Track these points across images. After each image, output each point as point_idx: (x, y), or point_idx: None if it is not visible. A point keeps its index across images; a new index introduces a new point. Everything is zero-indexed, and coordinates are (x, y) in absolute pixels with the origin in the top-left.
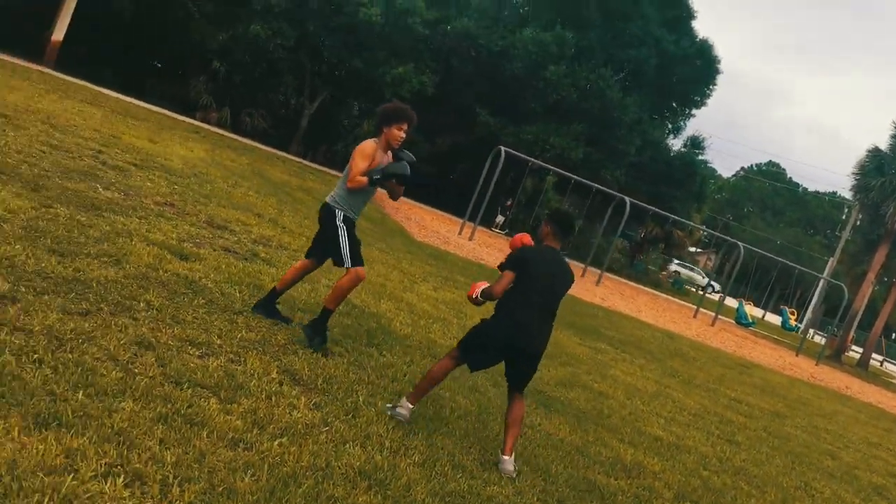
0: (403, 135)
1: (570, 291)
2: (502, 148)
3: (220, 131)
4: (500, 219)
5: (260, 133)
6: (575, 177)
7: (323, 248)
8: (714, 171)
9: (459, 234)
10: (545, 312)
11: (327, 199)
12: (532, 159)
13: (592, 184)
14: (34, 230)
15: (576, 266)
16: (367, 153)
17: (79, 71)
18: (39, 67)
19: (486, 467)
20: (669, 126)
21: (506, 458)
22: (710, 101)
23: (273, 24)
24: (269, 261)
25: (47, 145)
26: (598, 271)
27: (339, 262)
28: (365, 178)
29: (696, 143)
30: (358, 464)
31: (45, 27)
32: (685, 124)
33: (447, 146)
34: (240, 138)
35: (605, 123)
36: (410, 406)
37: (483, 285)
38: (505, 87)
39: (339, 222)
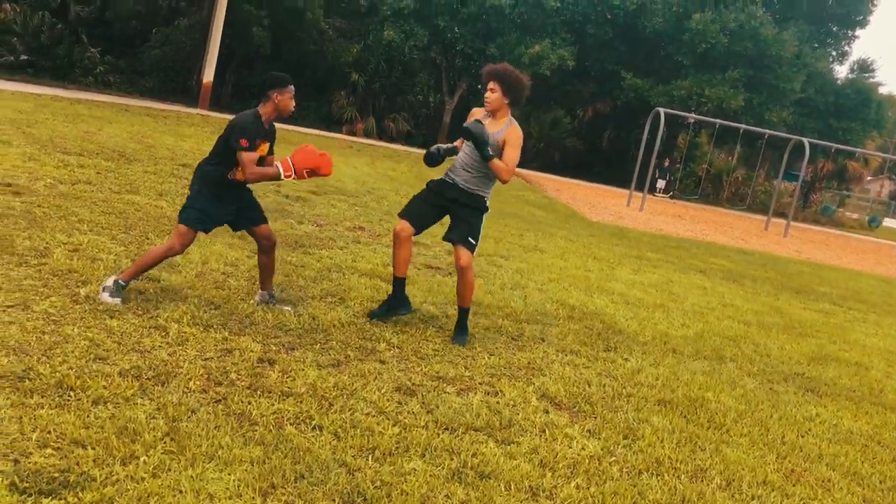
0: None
1: (765, 249)
2: (661, 110)
3: (370, 141)
4: (661, 183)
5: (405, 136)
6: (742, 125)
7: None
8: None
9: (628, 205)
10: None
11: (477, 190)
12: (694, 116)
13: (762, 130)
14: (256, 280)
15: (758, 219)
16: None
17: (230, 107)
18: (197, 111)
19: (791, 479)
20: (833, 54)
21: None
22: (872, 18)
23: (404, 27)
24: None
25: None
26: (783, 221)
27: (470, 244)
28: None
29: (864, 67)
30: (664, 498)
31: (190, 73)
32: (850, 48)
33: (590, 116)
34: (389, 145)
35: (762, 64)
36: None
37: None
38: (647, 45)
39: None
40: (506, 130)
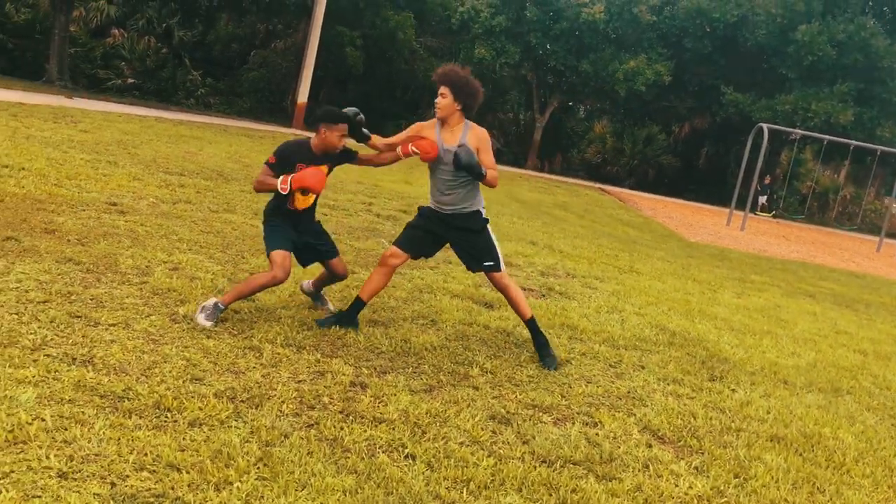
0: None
1: (878, 272)
2: (764, 126)
3: None
4: (762, 199)
5: (494, 153)
6: (853, 142)
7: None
8: None
9: (728, 224)
10: None
11: (466, 208)
12: (800, 131)
13: (874, 146)
14: (348, 301)
15: (868, 240)
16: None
17: None
18: (292, 130)
19: None
20: None
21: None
22: None
23: (496, 45)
24: (565, 294)
25: (325, 206)
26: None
27: (490, 266)
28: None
29: None
30: None
31: (285, 93)
32: None
33: (686, 132)
34: None
35: (873, 77)
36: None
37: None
38: (748, 59)
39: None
40: (469, 136)
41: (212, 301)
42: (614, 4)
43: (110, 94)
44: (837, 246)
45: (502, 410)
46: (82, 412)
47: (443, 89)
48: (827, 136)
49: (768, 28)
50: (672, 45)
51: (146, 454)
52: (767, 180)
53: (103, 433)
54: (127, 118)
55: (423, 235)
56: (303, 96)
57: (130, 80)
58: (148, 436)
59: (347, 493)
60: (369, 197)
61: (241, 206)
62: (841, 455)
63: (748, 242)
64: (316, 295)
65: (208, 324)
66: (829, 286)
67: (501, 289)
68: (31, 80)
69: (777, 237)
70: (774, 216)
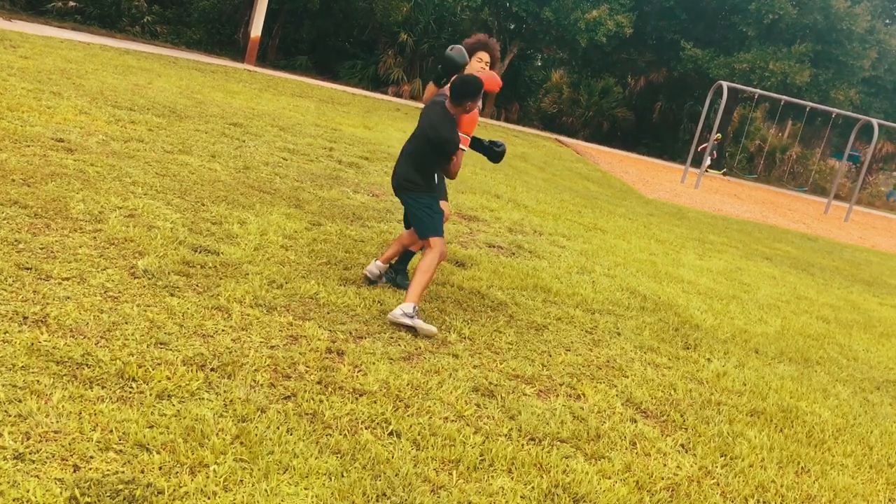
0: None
1: (828, 234)
2: (724, 84)
3: (417, 104)
4: (708, 158)
5: None
6: (809, 103)
7: None
8: None
9: (682, 182)
10: (406, 155)
11: None
12: (759, 90)
13: (830, 109)
14: (316, 255)
15: (816, 201)
16: None
17: (276, 63)
18: (244, 66)
19: None
20: None
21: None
22: None
23: None
24: (534, 252)
25: (285, 150)
26: (845, 205)
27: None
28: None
29: None
30: None
31: (237, 26)
32: None
33: (642, 86)
34: None
35: (831, 39)
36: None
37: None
38: (709, 14)
39: None
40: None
41: (410, 307)
42: None
43: (50, 17)
44: (787, 206)
45: (485, 381)
46: (38, 381)
47: (484, 55)
48: (784, 97)
49: None
50: None
51: (111, 431)
52: (717, 137)
53: (62, 406)
54: (70, 45)
55: None
56: (256, 30)
57: (72, 4)
58: (112, 409)
59: (332, 477)
60: (329, 142)
61: (196, 147)
62: (820, 431)
63: (703, 201)
64: (390, 273)
65: (431, 327)
66: (784, 248)
67: None
68: None
69: (730, 196)
70: (725, 174)
